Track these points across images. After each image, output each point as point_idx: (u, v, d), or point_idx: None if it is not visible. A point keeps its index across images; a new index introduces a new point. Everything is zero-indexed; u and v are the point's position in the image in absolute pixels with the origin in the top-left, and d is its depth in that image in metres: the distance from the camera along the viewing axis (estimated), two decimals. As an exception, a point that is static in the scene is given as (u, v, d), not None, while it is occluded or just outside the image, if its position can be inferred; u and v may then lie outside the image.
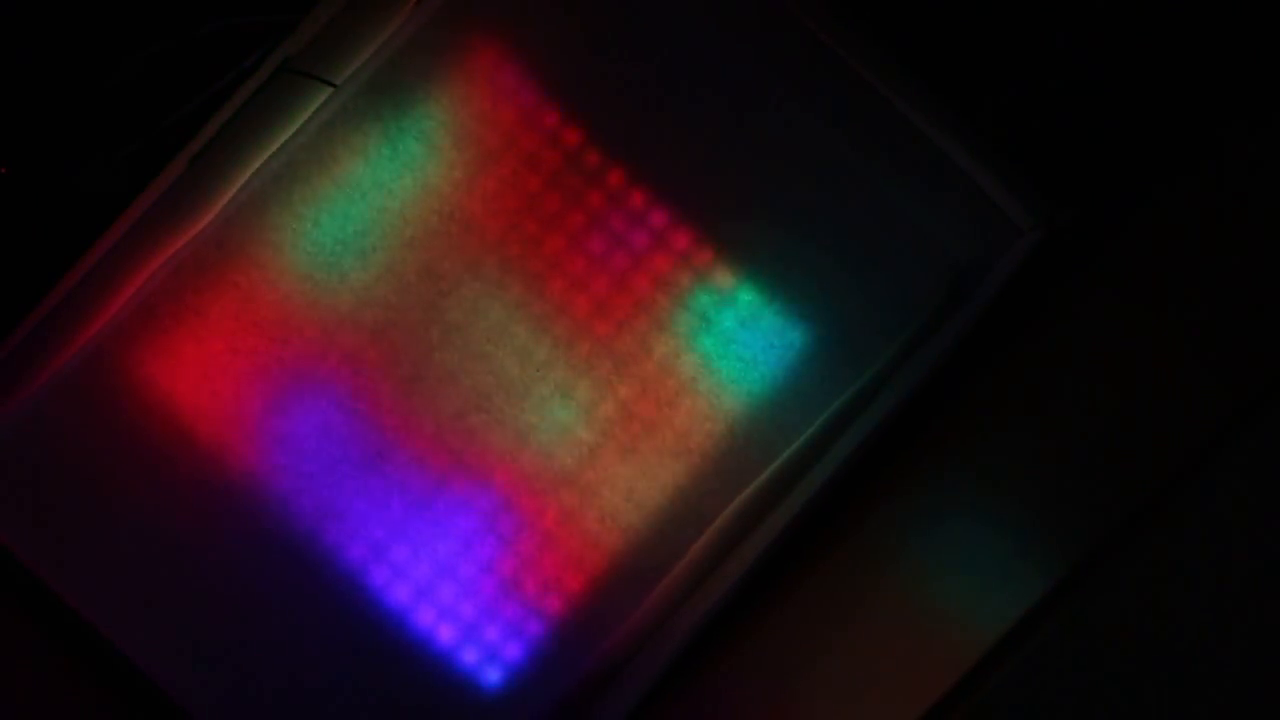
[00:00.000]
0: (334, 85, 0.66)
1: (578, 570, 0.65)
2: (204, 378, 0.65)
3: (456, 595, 0.65)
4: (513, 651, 0.65)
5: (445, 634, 0.65)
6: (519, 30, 0.66)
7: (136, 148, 0.72)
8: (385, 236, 0.66)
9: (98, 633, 0.64)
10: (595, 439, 0.66)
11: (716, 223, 0.66)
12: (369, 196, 0.66)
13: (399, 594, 0.65)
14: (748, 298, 0.66)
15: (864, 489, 0.66)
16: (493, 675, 0.65)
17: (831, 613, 0.62)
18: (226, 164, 0.67)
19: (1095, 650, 0.43)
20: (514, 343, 0.66)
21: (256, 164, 0.66)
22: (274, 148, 0.66)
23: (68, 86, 0.73)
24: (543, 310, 0.66)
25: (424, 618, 0.65)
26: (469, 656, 0.65)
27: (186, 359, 0.65)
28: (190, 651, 0.64)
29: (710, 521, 0.66)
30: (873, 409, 0.65)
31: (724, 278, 0.66)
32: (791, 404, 0.66)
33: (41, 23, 0.73)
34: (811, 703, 0.56)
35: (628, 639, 0.65)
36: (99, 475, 0.64)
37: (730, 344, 0.66)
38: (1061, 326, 0.66)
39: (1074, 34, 0.72)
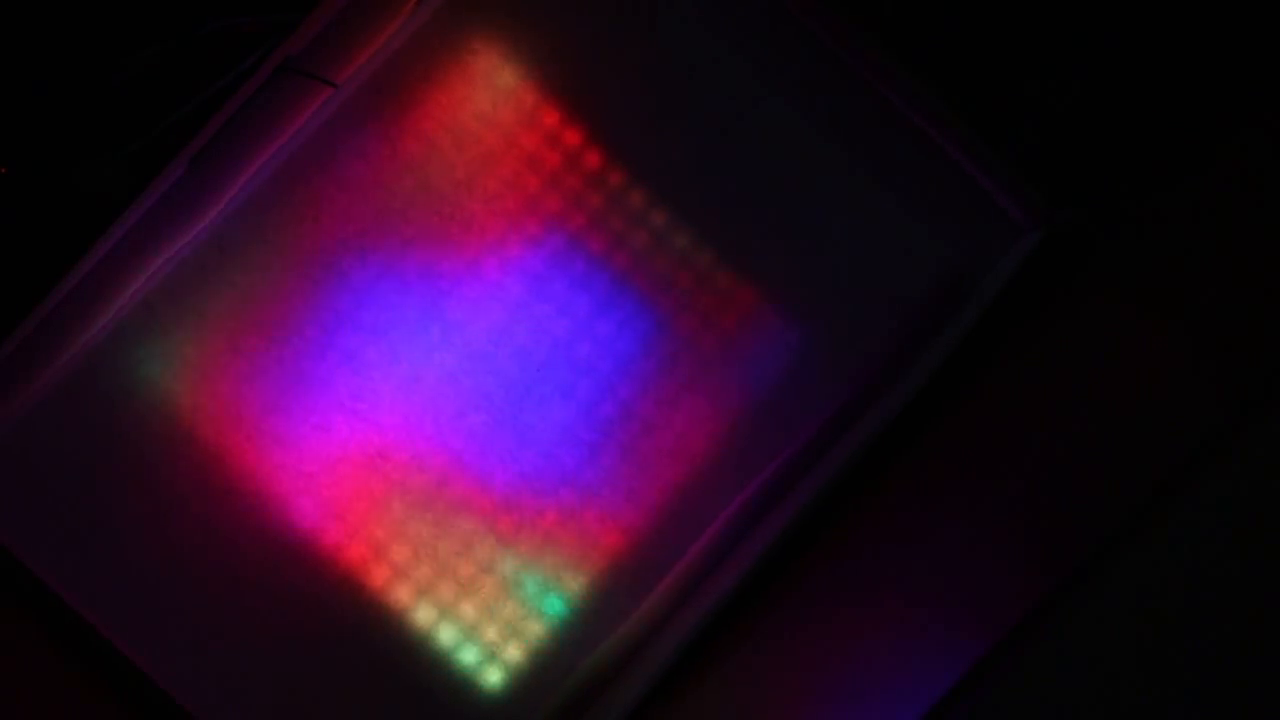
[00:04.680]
0: (334, 85, 0.66)
1: (578, 571, 0.65)
2: (204, 378, 0.65)
3: (456, 595, 0.65)
4: (512, 651, 0.65)
5: (445, 634, 0.65)
6: (520, 30, 0.66)
7: (136, 148, 0.72)
8: (386, 236, 0.66)
9: (98, 633, 0.64)
10: (595, 439, 0.66)
11: (716, 223, 0.66)
12: (369, 196, 0.66)
13: (399, 594, 0.65)
14: (748, 298, 0.66)
15: (864, 489, 0.66)
16: (493, 675, 0.65)
17: (831, 613, 0.62)
18: (226, 164, 0.66)
19: (1094, 652, 0.43)
20: (514, 343, 0.66)
21: (256, 164, 0.66)
22: (274, 148, 0.66)
23: (68, 86, 0.73)
24: (543, 310, 0.66)
25: (424, 617, 0.65)
26: (469, 656, 0.65)
27: (186, 359, 0.65)
28: (190, 651, 0.64)
29: (710, 521, 0.66)
30: (873, 409, 0.65)
31: (724, 278, 0.66)
32: (791, 404, 0.66)
33: (42, 23, 0.73)
34: (812, 704, 0.56)
35: (628, 639, 0.65)
36: (99, 475, 0.64)
37: (730, 344, 0.66)
38: (1061, 327, 0.66)
39: (1075, 35, 0.72)
